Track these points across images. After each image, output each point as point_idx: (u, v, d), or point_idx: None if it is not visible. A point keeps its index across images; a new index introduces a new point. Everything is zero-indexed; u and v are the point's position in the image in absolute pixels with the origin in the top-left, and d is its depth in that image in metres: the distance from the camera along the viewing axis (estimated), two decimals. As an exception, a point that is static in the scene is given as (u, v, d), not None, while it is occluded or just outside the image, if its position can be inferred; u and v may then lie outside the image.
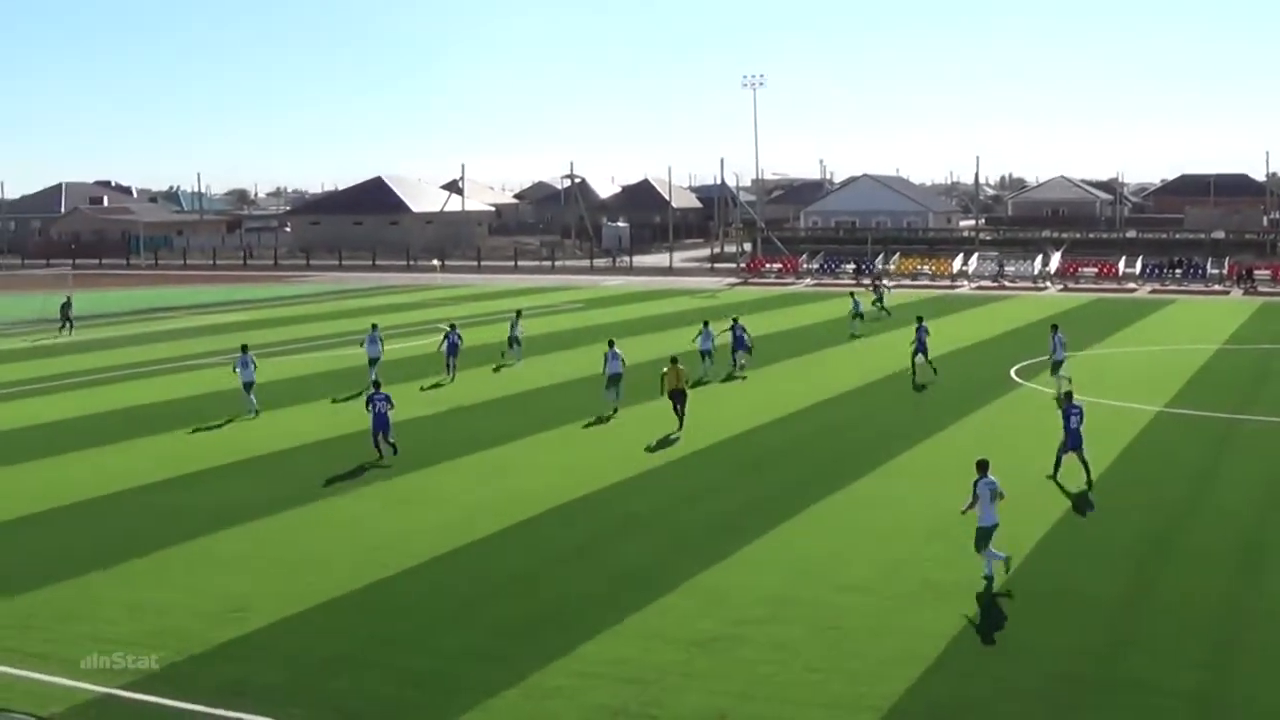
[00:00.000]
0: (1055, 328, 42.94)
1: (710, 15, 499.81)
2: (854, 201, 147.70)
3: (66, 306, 67.14)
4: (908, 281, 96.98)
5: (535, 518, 26.23)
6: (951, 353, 47.98)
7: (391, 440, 32.50)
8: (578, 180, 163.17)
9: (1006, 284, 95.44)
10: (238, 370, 40.02)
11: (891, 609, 20.27)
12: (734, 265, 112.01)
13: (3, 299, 72.97)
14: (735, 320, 49.56)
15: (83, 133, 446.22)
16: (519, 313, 55.32)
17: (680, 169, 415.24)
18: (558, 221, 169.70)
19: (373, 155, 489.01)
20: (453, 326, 48.60)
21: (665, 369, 37.02)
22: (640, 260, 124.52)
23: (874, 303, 68.66)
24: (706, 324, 48.01)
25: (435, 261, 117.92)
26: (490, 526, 25.51)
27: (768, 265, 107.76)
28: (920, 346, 45.70)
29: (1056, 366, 41.40)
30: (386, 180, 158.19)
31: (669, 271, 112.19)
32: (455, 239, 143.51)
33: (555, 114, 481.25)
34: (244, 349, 41.05)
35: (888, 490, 28.47)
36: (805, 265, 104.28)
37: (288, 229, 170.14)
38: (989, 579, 21.35)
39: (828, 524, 25.42)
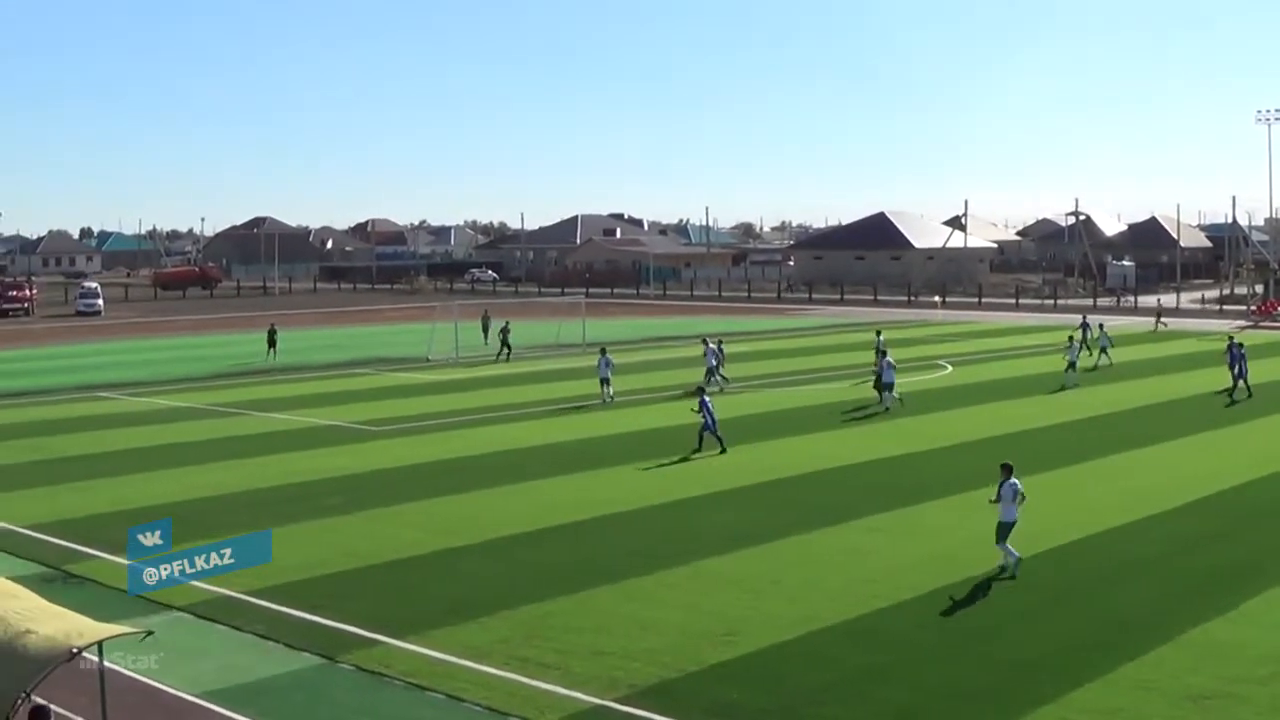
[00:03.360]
0: None
1: (1221, 48, 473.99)
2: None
3: (505, 332, 68.71)
4: None
5: (1029, 558, 25.43)
6: None
7: (720, 435, 37.87)
8: (1082, 217, 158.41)
9: None
10: (598, 369, 49.19)
11: None
12: (1243, 307, 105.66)
13: (527, 325, 77.44)
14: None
15: (600, 168, 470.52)
16: (879, 332, 61.34)
17: (1189, 206, 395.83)
18: (1060, 259, 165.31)
19: (876, 190, 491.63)
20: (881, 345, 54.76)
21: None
22: (1145, 300, 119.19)
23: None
24: (1071, 338, 56.53)
25: (936, 298, 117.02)
26: (984, 564, 24.92)
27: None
28: (1239, 369, 50.06)
29: None
30: (889, 216, 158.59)
31: (1176, 312, 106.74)
32: (956, 275, 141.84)
33: (1060, 150, 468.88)
34: (603, 351, 50.47)
35: None
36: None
37: (791, 262, 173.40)
38: (1004, 569, 24.10)
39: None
